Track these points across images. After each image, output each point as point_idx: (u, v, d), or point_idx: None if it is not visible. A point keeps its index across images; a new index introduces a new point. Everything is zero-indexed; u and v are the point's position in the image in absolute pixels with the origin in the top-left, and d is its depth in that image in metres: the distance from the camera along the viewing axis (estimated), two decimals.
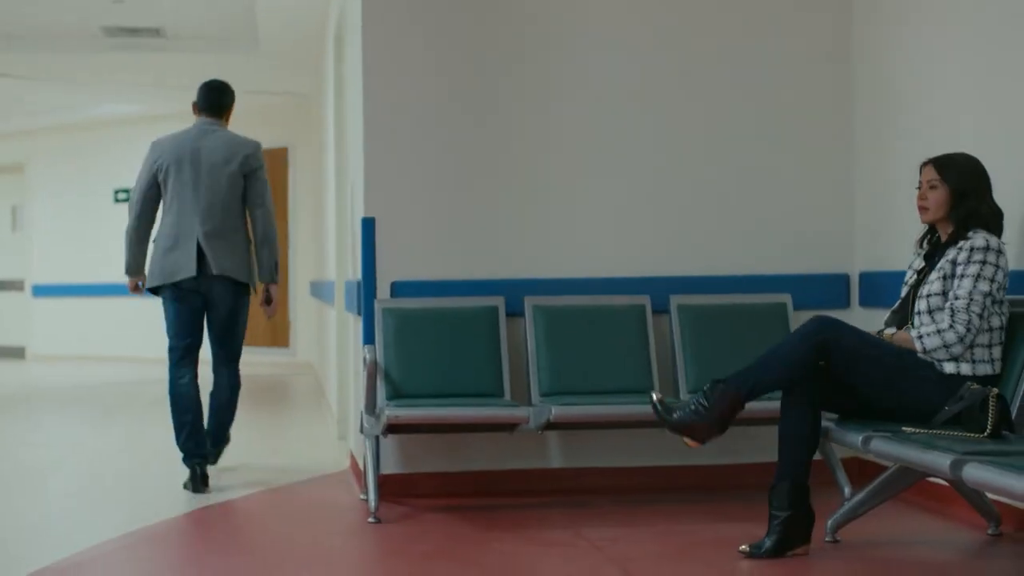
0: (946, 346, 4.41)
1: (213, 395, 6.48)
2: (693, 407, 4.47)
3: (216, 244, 6.18)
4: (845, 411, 4.57)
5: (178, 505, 5.84)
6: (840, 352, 4.45)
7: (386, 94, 5.92)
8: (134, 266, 6.42)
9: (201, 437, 6.23)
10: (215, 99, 6.52)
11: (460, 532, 5.11)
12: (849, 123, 6.15)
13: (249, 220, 6.35)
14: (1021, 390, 4.36)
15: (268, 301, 6.46)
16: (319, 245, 12.21)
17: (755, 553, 4.46)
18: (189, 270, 6.14)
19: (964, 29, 5.28)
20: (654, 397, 4.57)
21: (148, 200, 6.31)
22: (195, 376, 6.29)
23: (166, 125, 15.63)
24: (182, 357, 6.25)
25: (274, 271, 6.36)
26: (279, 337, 15.00)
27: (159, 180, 6.29)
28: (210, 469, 6.39)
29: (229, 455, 6.92)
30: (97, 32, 11.06)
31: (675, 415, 4.49)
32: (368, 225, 5.87)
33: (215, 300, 6.25)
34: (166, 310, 6.29)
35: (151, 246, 6.31)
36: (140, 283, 6.44)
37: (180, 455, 6.24)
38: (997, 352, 4.47)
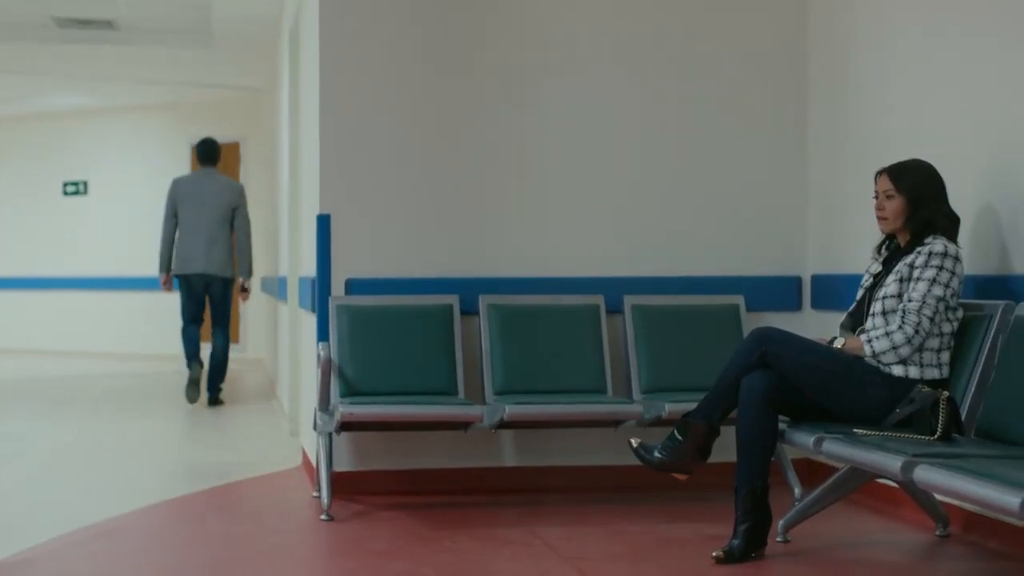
0: (894, 348, 4.46)
1: (212, 355, 9.74)
2: (671, 445, 4.60)
3: (212, 252, 9.52)
4: (797, 414, 4.61)
5: (129, 501, 5.80)
6: (781, 362, 4.49)
7: (342, 90, 5.91)
8: (166, 266, 9.75)
9: (198, 354, 9.73)
10: (210, 153, 9.79)
11: (413, 530, 5.11)
12: (803, 127, 6.20)
13: (233, 236, 9.63)
14: (971, 393, 4.42)
15: (244, 289, 9.96)
16: (271, 241, 12.14)
17: (730, 558, 4.46)
18: (198, 267, 9.51)
19: (917, 34, 5.34)
20: (633, 443, 4.69)
21: (173, 219, 9.65)
22: (198, 328, 9.77)
23: (117, 118, 15.75)
24: (189, 322, 9.74)
25: (248, 271, 9.78)
26: (230, 333, 14.91)
27: (176, 207, 9.60)
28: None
29: (180, 450, 6.97)
30: (48, 23, 10.95)
31: (656, 455, 4.63)
32: (323, 222, 5.86)
33: (212, 288, 9.66)
34: (181, 291, 9.71)
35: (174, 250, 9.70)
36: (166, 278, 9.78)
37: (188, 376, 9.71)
38: (945, 357, 4.52)
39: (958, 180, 4.72)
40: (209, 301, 9.74)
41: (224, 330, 9.80)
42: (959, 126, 5.00)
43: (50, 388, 11.78)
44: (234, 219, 9.60)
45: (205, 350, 9.88)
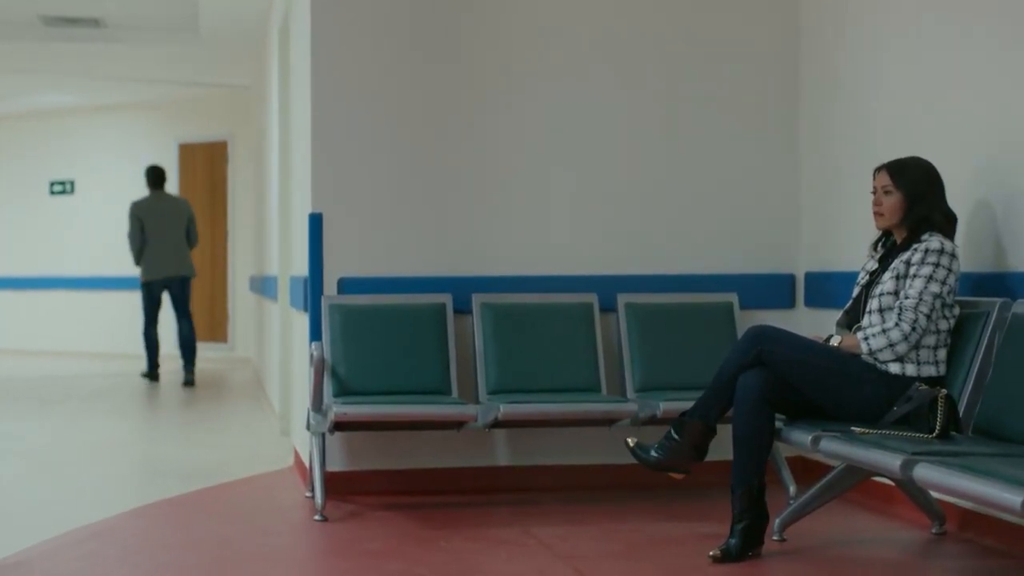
0: (891, 345, 4.45)
1: (180, 336, 11.52)
2: (667, 444, 4.58)
3: (176, 257, 11.41)
4: (793, 412, 4.59)
5: (121, 502, 5.77)
6: (778, 360, 4.47)
7: (334, 88, 5.88)
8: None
9: (156, 358, 11.82)
10: (160, 179, 11.60)
11: (407, 530, 5.09)
12: (795, 126, 6.19)
13: (187, 242, 11.55)
14: (968, 390, 4.41)
15: None
16: (259, 240, 12.11)
17: (727, 557, 4.45)
18: (170, 272, 11.40)
19: (909, 32, 5.33)
20: (630, 443, 4.67)
21: (139, 234, 11.36)
22: (156, 328, 11.66)
23: (104, 117, 15.70)
24: (150, 321, 11.59)
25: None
26: (217, 332, 14.88)
27: (143, 224, 11.32)
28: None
29: (170, 450, 6.98)
30: (35, 21, 10.89)
31: (653, 454, 4.61)
32: (315, 221, 5.83)
33: (173, 286, 11.47)
34: (145, 295, 11.54)
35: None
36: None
37: (146, 369, 11.87)
38: (942, 354, 4.51)
39: (953, 178, 4.71)
40: (172, 298, 11.52)
41: (189, 319, 11.61)
42: (953, 124, 4.99)
43: (38, 387, 11.73)
44: (188, 229, 11.51)
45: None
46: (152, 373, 11.82)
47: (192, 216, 11.63)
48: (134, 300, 14.84)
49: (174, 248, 11.40)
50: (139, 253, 11.40)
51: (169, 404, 10.25)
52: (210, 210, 15.09)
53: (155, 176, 11.59)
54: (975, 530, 4.83)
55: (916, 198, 4.57)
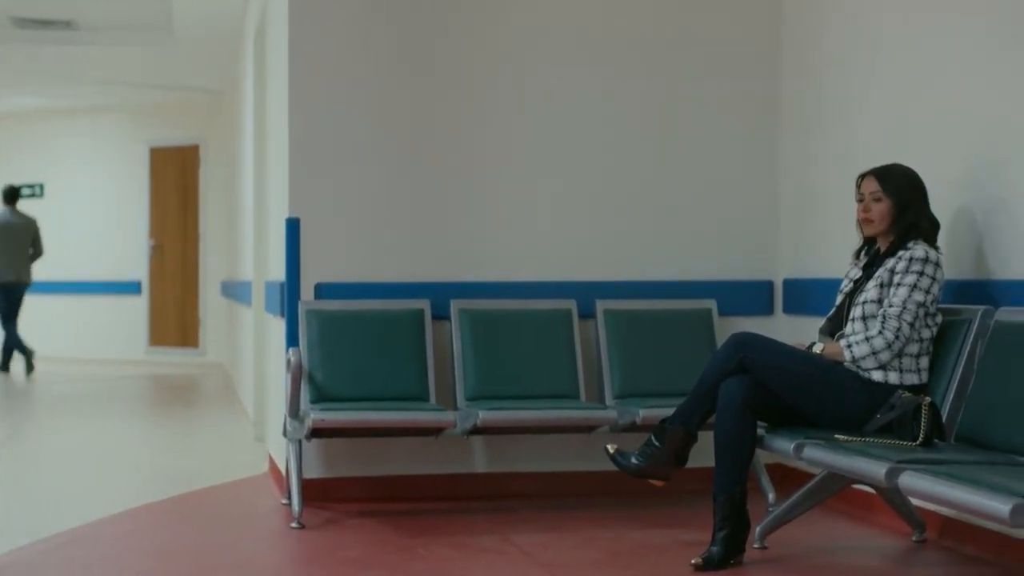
0: (874, 353, 4.44)
1: (10, 337, 13.14)
2: (648, 451, 4.56)
3: (18, 266, 13.05)
4: (775, 419, 4.57)
5: (94, 509, 5.69)
6: (759, 368, 4.46)
7: (312, 93, 5.83)
8: None
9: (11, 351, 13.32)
10: (13, 197, 13.19)
11: (386, 538, 5.05)
12: (774, 132, 6.19)
13: (32, 253, 13.23)
14: (950, 398, 4.40)
15: None
16: (231, 244, 12.04)
17: (709, 565, 4.43)
18: (6, 279, 12.96)
19: (892, 37, 5.33)
20: (610, 450, 4.65)
21: None
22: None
23: (74, 120, 15.59)
24: (9, 319, 13.11)
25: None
26: (188, 337, 14.77)
27: None
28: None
29: (143, 456, 6.87)
30: (6, 23, 10.78)
31: (633, 462, 4.59)
32: (292, 225, 5.78)
33: (17, 291, 13.08)
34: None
35: None
36: None
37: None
38: (924, 362, 4.51)
39: (933, 185, 4.70)
40: (9, 301, 13.07)
41: (15, 323, 13.18)
42: (934, 130, 4.99)
43: (4, 393, 11.61)
44: (33, 242, 13.17)
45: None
46: (4, 365, 13.27)
47: (38, 232, 13.25)
48: (105, 304, 14.82)
49: (19, 259, 13.07)
50: None
51: (140, 409, 10.17)
52: (181, 214, 15.00)
53: (10, 194, 13.24)
54: (955, 537, 4.83)
55: (904, 205, 4.56)
